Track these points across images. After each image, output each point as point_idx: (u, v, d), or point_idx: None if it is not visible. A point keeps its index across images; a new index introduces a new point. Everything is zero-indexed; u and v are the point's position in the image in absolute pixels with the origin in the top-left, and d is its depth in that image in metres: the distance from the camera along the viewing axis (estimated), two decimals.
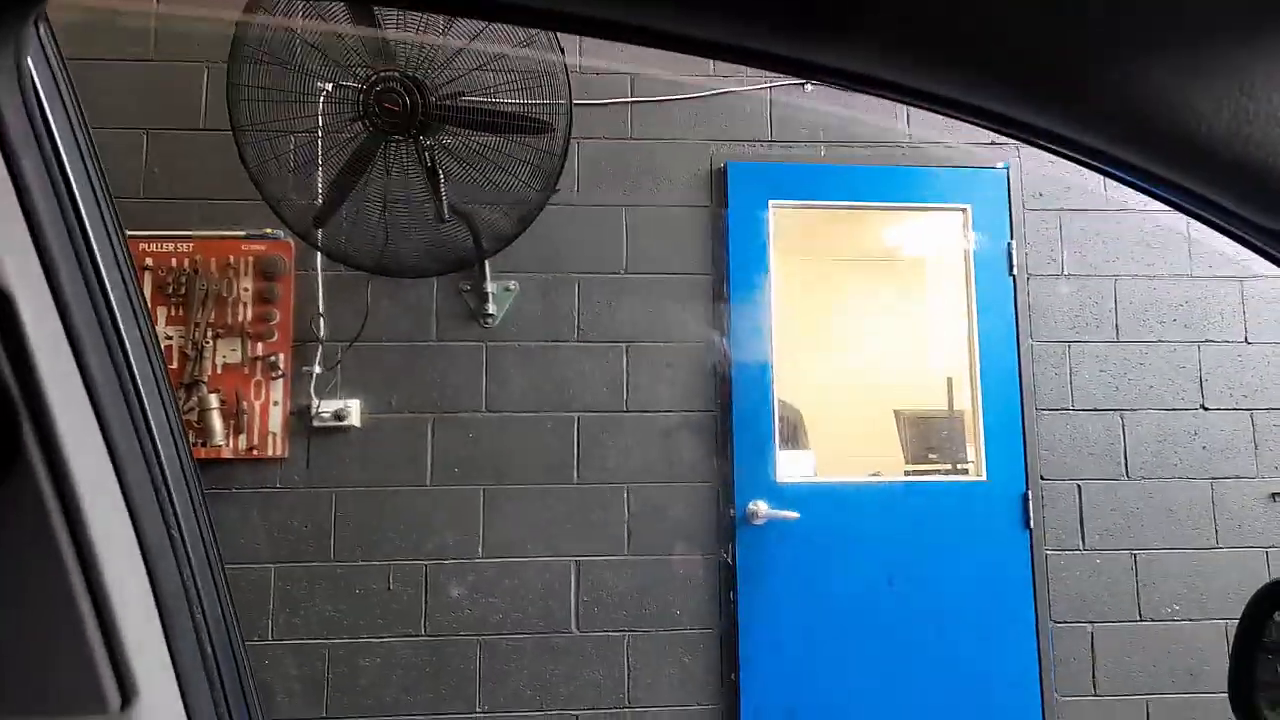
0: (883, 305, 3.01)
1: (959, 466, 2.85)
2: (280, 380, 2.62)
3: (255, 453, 2.59)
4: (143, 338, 0.65)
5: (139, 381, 0.63)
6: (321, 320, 2.66)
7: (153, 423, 0.63)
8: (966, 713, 2.62)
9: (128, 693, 0.56)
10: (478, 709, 2.57)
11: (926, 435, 2.92)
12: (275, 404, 2.62)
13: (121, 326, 0.62)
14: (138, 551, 0.59)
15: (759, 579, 2.65)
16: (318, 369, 2.64)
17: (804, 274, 2.91)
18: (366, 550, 2.60)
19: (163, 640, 0.59)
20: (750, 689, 2.60)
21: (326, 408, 2.62)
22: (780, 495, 2.68)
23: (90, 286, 0.60)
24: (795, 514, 2.65)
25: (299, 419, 2.64)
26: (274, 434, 2.60)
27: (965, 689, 2.63)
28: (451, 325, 2.73)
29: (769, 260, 2.80)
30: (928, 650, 2.64)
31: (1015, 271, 2.87)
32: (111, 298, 0.61)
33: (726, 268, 2.80)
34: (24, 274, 0.56)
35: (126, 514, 0.59)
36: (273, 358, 2.62)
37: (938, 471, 2.86)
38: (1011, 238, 2.89)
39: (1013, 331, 2.85)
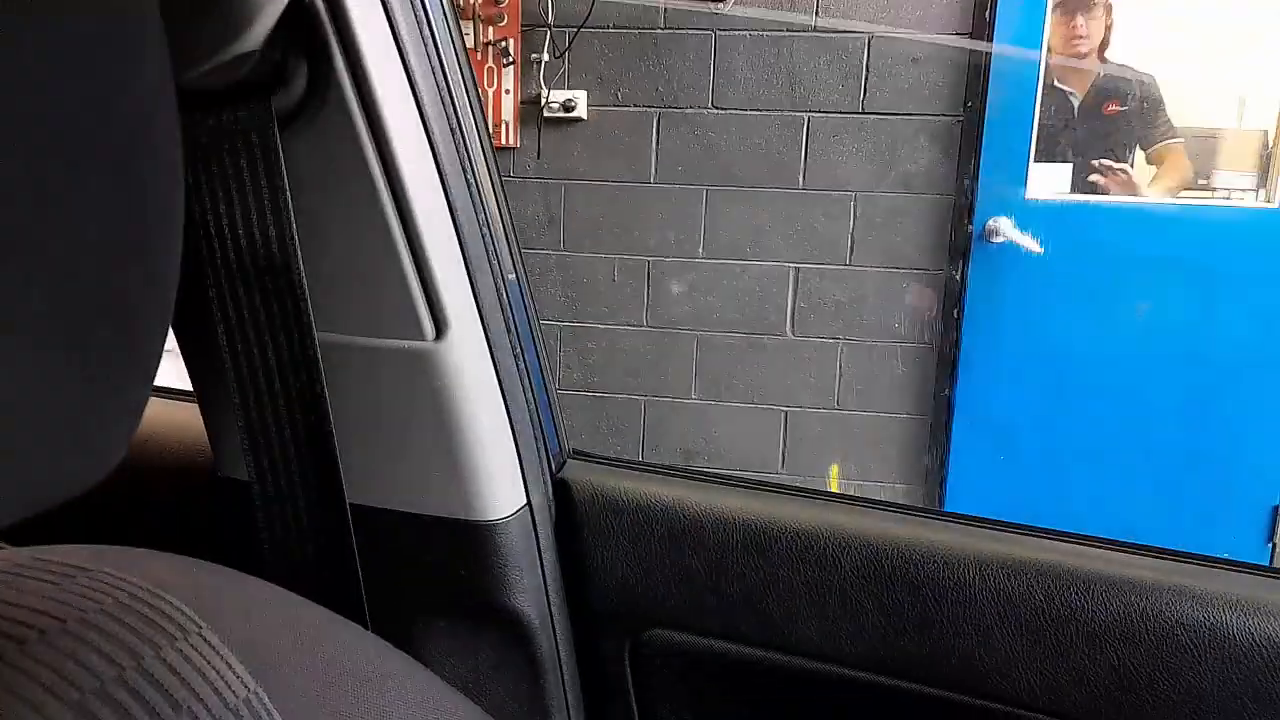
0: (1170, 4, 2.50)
1: (1244, 192, 2.48)
2: (510, 68, 2.61)
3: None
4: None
5: (438, 33, 0.61)
6: (549, 3, 2.57)
7: (450, 77, 0.62)
8: (1208, 461, 2.47)
9: (440, 325, 0.60)
10: (693, 396, 2.73)
11: (1206, 156, 2.53)
12: (507, 92, 2.63)
13: None
14: (442, 195, 0.60)
15: (990, 299, 2.52)
16: (546, 57, 2.60)
17: None
18: (593, 242, 2.69)
19: (467, 282, 0.62)
20: (965, 404, 2.58)
21: (555, 97, 2.61)
22: (1027, 213, 2.47)
23: None
24: (1038, 238, 2.45)
25: (529, 109, 2.65)
26: (506, 122, 2.64)
27: (1210, 438, 2.45)
28: (680, 11, 2.56)
29: None
30: (1172, 393, 2.45)
31: None
32: None
33: None
34: None
35: (431, 159, 0.59)
36: (503, 43, 2.59)
37: (1218, 197, 2.50)
38: None
39: None
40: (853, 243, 2.59)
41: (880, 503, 0.72)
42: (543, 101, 2.62)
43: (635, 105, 2.62)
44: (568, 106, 2.61)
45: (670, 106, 2.60)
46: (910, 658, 0.64)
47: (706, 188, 2.63)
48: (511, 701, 0.67)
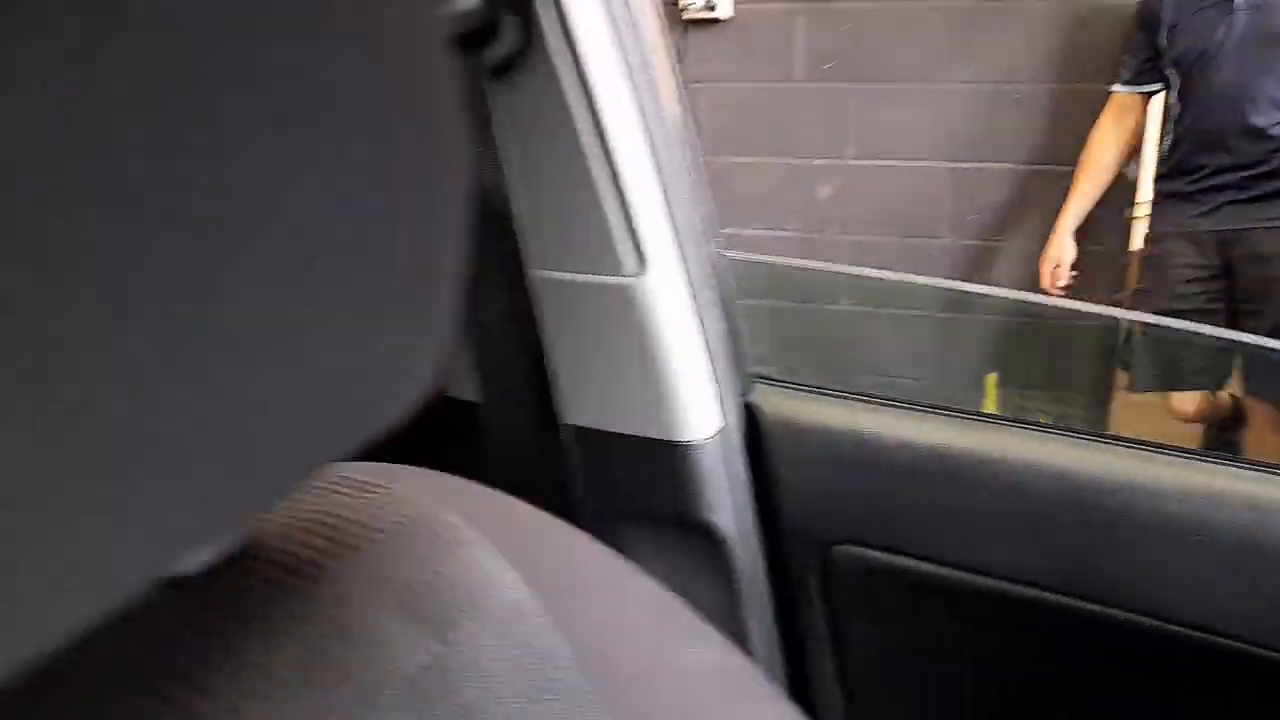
0: None
1: None
2: None
3: None
4: None
5: None
6: None
7: (643, 24, 0.64)
8: None
9: (643, 261, 0.63)
10: (843, 304, 2.69)
11: None
12: None
13: None
14: (644, 136, 0.62)
15: None
16: None
17: None
18: (738, 146, 2.65)
19: (667, 220, 0.64)
20: None
21: None
22: None
23: None
24: None
25: (670, 9, 2.60)
26: None
27: None
28: None
29: None
30: None
31: None
32: None
33: None
34: None
35: (634, 104, 0.62)
36: None
37: None
38: None
39: None
40: (1017, 140, 2.44)
41: (1071, 429, 0.72)
42: (684, 2, 2.56)
43: (780, 1, 2.52)
44: (710, 5, 2.54)
45: (817, 0, 2.50)
46: (1105, 582, 0.65)
47: (856, 86, 2.53)
48: (710, 608, 0.73)
